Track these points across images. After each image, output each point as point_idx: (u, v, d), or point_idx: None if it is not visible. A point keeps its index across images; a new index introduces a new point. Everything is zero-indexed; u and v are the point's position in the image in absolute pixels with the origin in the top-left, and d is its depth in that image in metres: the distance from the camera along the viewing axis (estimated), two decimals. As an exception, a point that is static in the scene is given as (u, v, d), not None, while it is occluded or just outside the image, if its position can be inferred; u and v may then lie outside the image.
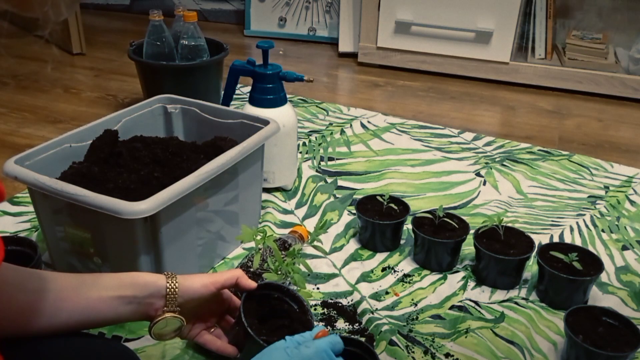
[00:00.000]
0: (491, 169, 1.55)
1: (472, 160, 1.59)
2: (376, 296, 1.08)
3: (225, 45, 1.74)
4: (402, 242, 1.23)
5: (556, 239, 1.26)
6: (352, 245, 1.23)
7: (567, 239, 1.26)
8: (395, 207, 1.22)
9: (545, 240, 1.25)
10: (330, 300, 1.07)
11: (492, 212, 1.35)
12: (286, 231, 1.21)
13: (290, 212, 1.33)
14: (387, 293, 1.09)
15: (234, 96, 1.55)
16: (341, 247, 1.22)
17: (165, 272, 0.77)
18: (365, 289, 1.10)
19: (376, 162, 1.57)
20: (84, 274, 0.76)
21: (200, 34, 1.65)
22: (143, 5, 2.95)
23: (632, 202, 1.41)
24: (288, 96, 1.38)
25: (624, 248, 1.25)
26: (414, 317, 1.03)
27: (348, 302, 1.07)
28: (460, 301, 1.08)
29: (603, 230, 1.30)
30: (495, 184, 1.48)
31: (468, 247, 1.18)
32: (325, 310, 1.04)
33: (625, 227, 1.32)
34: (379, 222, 1.18)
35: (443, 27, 2.12)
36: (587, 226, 1.31)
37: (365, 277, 1.13)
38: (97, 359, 0.70)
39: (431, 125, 1.79)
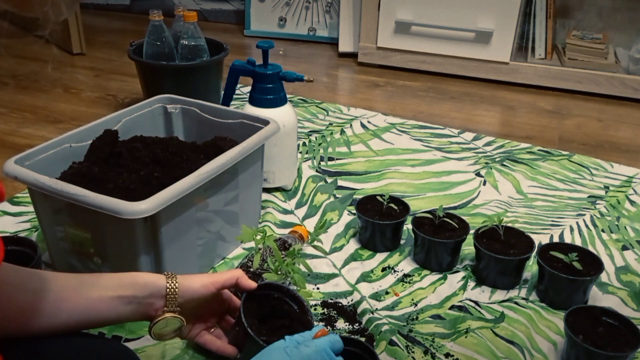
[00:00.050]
0: (491, 169, 1.55)
1: (472, 160, 1.59)
2: (376, 296, 1.08)
3: (225, 45, 1.74)
4: (402, 242, 1.23)
5: (556, 239, 1.26)
6: (352, 245, 1.23)
7: (567, 239, 1.26)
8: (395, 207, 1.22)
9: (545, 240, 1.25)
10: (330, 300, 1.07)
11: (492, 212, 1.35)
12: (286, 231, 1.21)
13: (290, 212, 1.33)
14: (387, 293, 1.09)
15: (234, 96, 1.55)
16: (341, 247, 1.22)
17: (165, 272, 0.77)
18: (365, 289, 1.10)
19: (376, 162, 1.57)
20: (84, 274, 0.76)
21: (200, 34, 1.65)
22: (143, 5, 2.95)
23: (632, 202, 1.41)
24: (288, 96, 1.38)
25: (624, 248, 1.25)
26: (414, 317, 1.03)
27: (348, 302, 1.07)
28: (460, 301, 1.08)
29: (603, 230, 1.30)
30: (495, 184, 1.48)
31: (468, 247, 1.18)
32: (325, 310, 1.04)
33: (625, 227, 1.32)
34: (379, 222, 1.18)
35: (443, 27, 2.12)
36: (587, 226, 1.31)
37: (365, 277, 1.13)
38: (97, 359, 0.70)
39: (431, 125, 1.79)
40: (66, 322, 0.69)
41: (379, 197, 1.23)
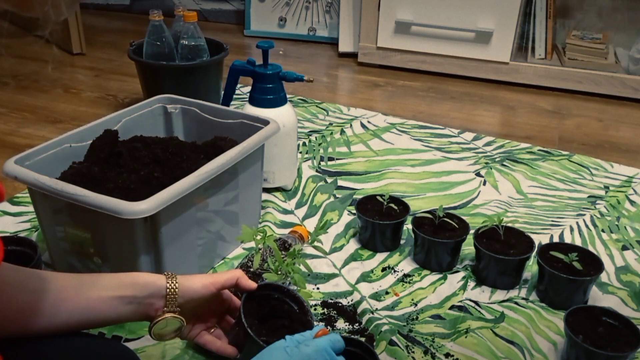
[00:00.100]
0: (491, 169, 1.55)
1: (472, 160, 1.59)
2: (376, 296, 1.08)
3: (225, 45, 1.74)
4: (402, 242, 1.23)
5: (556, 239, 1.26)
6: (352, 245, 1.23)
7: (567, 239, 1.26)
8: (395, 207, 1.22)
9: (545, 240, 1.24)
10: (330, 300, 1.07)
11: (492, 212, 1.35)
12: (286, 231, 1.21)
13: (290, 212, 1.33)
14: (387, 293, 1.09)
15: (234, 96, 1.55)
16: (341, 247, 1.22)
17: (165, 272, 0.77)
18: (365, 289, 1.10)
19: (376, 162, 1.57)
20: (84, 274, 0.76)
21: (200, 34, 1.65)
22: (143, 5, 2.95)
23: (632, 202, 1.41)
24: (288, 96, 1.38)
25: (624, 248, 1.25)
26: (414, 317, 1.03)
27: (348, 302, 1.07)
28: (460, 301, 1.08)
29: (603, 230, 1.30)
30: (495, 184, 1.48)
31: (468, 247, 1.18)
32: (325, 310, 1.04)
33: (625, 227, 1.32)
34: (379, 222, 1.18)
35: (443, 27, 2.12)
36: (587, 226, 1.31)
37: (365, 277, 1.13)
38: (97, 359, 0.70)
39: (431, 125, 1.79)
40: (66, 322, 0.69)
41: (379, 197, 1.23)
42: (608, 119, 1.91)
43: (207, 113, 1.27)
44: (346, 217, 1.32)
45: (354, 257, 1.19)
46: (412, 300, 1.08)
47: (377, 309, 1.05)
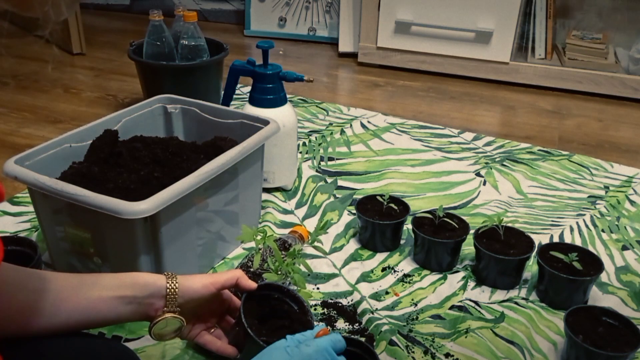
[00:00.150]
0: (491, 169, 1.55)
1: (472, 160, 1.59)
2: (376, 296, 1.08)
3: (225, 45, 1.74)
4: (402, 242, 1.23)
5: (556, 239, 1.26)
6: (352, 245, 1.23)
7: (567, 239, 1.26)
8: (395, 207, 1.22)
9: (545, 240, 1.24)
10: (330, 300, 1.07)
11: (492, 212, 1.35)
12: (286, 231, 1.21)
13: (290, 212, 1.33)
14: (387, 293, 1.09)
15: (234, 96, 1.55)
16: (341, 247, 1.22)
17: (166, 272, 0.77)
18: (365, 289, 1.10)
19: (376, 162, 1.57)
20: (84, 274, 0.76)
21: (200, 34, 1.65)
22: (143, 5, 2.95)
23: (632, 202, 1.41)
24: (288, 96, 1.38)
25: (624, 248, 1.25)
26: (414, 317, 1.03)
27: (348, 302, 1.07)
28: (460, 301, 1.08)
29: (603, 230, 1.30)
30: (495, 184, 1.48)
31: (468, 247, 1.18)
32: (325, 310, 1.04)
33: (625, 227, 1.32)
34: (379, 222, 1.18)
35: (443, 27, 2.12)
36: (587, 226, 1.31)
37: (365, 277, 1.13)
38: (97, 359, 0.70)
39: (431, 125, 1.79)
40: (66, 322, 0.69)
41: (379, 197, 1.23)
42: (608, 119, 1.91)
43: (207, 113, 1.27)
44: (346, 217, 1.32)
45: (354, 257, 1.19)
46: (412, 300, 1.08)
47: (377, 309, 1.05)
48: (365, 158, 1.59)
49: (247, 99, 1.34)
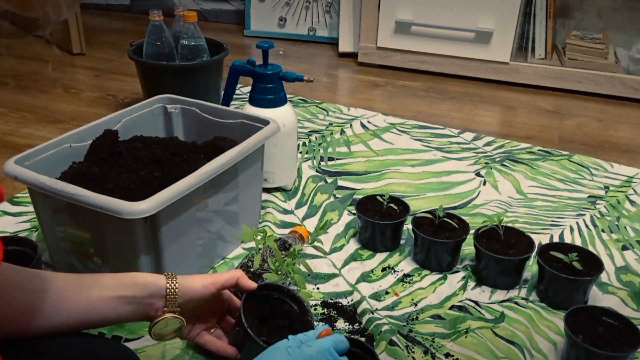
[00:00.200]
0: (491, 169, 1.55)
1: (472, 160, 1.59)
2: (376, 296, 1.08)
3: (225, 45, 1.74)
4: (402, 242, 1.23)
5: (556, 239, 1.26)
6: (352, 245, 1.23)
7: (567, 239, 1.26)
8: (395, 207, 1.22)
9: (545, 240, 1.24)
10: (330, 300, 1.07)
11: (492, 212, 1.35)
12: (286, 231, 1.21)
13: (290, 212, 1.33)
14: (387, 293, 1.09)
15: (234, 96, 1.55)
16: (341, 247, 1.22)
17: (166, 272, 0.77)
18: (365, 289, 1.10)
19: (376, 162, 1.57)
20: (84, 274, 0.76)
21: (200, 34, 1.65)
22: (143, 5, 2.95)
23: (632, 202, 1.41)
24: (288, 96, 1.38)
25: (624, 248, 1.25)
26: (414, 317, 1.03)
27: (348, 302, 1.07)
28: (460, 301, 1.08)
29: (603, 230, 1.30)
30: (495, 184, 1.48)
31: (468, 247, 1.18)
32: (325, 310, 1.04)
33: (625, 227, 1.32)
34: (379, 222, 1.18)
35: (443, 27, 2.12)
36: (587, 226, 1.31)
37: (365, 277, 1.13)
38: (97, 359, 0.70)
39: (431, 125, 1.79)
40: (66, 322, 0.69)
41: (379, 197, 1.23)
42: (608, 119, 1.91)
43: (207, 113, 1.27)
44: (346, 217, 1.32)
45: (354, 257, 1.19)
46: (412, 300, 1.08)
47: (377, 309, 1.05)
48: (365, 158, 1.59)
49: (247, 99, 1.34)
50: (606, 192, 1.46)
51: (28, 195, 1.17)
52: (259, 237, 1.01)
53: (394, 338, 0.98)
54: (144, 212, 0.88)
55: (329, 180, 1.47)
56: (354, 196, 1.39)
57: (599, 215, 1.35)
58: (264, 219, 1.29)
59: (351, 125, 1.78)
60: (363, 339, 0.96)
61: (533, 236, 1.15)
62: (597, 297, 1.10)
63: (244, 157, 1.08)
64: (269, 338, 0.79)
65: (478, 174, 1.52)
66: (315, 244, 1.14)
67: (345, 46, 2.42)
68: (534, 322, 1.03)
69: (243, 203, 1.17)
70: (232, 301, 0.87)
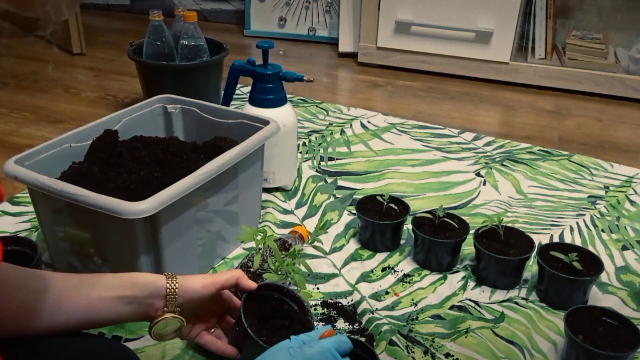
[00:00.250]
0: (491, 169, 1.55)
1: (472, 160, 1.59)
2: (376, 296, 1.08)
3: (225, 45, 1.74)
4: (402, 242, 1.23)
5: (556, 239, 1.26)
6: (352, 245, 1.23)
7: (567, 239, 1.26)
8: (395, 207, 1.22)
9: (545, 240, 1.25)
10: (330, 300, 1.07)
11: (492, 212, 1.35)
12: (286, 231, 1.21)
13: (290, 212, 1.33)
14: (387, 293, 1.09)
15: (234, 96, 1.55)
16: (341, 247, 1.22)
17: (166, 272, 0.77)
18: (365, 289, 1.10)
19: (376, 162, 1.57)
20: (84, 274, 0.76)
21: (200, 34, 1.65)
22: (143, 5, 2.95)
23: (632, 202, 1.41)
24: (288, 96, 1.38)
25: (624, 248, 1.25)
26: (414, 317, 1.03)
27: (348, 302, 1.07)
28: (460, 301, 1.08)
29: (603, 230, 1.30)
30: (495, 184, 1.48)
31: (468, 247, 1.18)
32: (325, 310, 1.04)
33: (625, 227, 1.32)
34: (379, 222, 1.18)
35: (443, 27, 2.12)
36: (587, 226, 1.31)
37: (365, 277, 1.13)
38: (97, 359, 0.70)
39: (431, 125, 1.79)
40: (66, 322, 0.69)
41: (379, 197, 1.23)
42: (608, 119, 1.91)
43: (207, 113, 1.27)
44: (346, 217, 1.32)
45: (354, 257, 1.19)
46: (412, 300, 1.08)
47: (377, 309, 1.05)
48: (365, 158, 1.59)
49: (247, 99, 1.34)
50: (606, 192, 1.46)
51: (28, 195, 1.17)
52: (259, 237, 1.01)
53: (394, 338, 0.98)
54: (144, 212, 0.88)
55: (329, 180, 1.47)
56: (354, 196, 1.39)
57: (599, 215, 1.35)
58: (264, 219, 1.29)
59: (351, 125, 1.78)
60: (363, 339, 0.96)
61: (533, 236, 1.15)
62: (597, 297, 1.10)
63: (244, 157, 1.08)
64: (269, 338, 0.79)
65: (478, 174, 1.52)
66: (315, 244, 1.14)
67: (345, 46, 2.42)
68: (534, 322, 1.03)
69: (243, 203, 1.17)
70: (232, 301, 0.87)
